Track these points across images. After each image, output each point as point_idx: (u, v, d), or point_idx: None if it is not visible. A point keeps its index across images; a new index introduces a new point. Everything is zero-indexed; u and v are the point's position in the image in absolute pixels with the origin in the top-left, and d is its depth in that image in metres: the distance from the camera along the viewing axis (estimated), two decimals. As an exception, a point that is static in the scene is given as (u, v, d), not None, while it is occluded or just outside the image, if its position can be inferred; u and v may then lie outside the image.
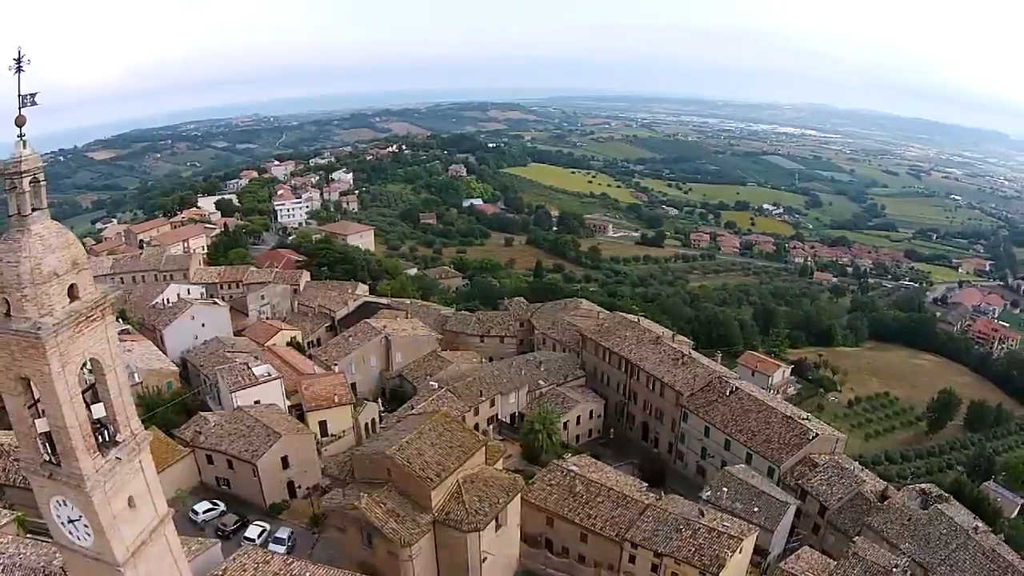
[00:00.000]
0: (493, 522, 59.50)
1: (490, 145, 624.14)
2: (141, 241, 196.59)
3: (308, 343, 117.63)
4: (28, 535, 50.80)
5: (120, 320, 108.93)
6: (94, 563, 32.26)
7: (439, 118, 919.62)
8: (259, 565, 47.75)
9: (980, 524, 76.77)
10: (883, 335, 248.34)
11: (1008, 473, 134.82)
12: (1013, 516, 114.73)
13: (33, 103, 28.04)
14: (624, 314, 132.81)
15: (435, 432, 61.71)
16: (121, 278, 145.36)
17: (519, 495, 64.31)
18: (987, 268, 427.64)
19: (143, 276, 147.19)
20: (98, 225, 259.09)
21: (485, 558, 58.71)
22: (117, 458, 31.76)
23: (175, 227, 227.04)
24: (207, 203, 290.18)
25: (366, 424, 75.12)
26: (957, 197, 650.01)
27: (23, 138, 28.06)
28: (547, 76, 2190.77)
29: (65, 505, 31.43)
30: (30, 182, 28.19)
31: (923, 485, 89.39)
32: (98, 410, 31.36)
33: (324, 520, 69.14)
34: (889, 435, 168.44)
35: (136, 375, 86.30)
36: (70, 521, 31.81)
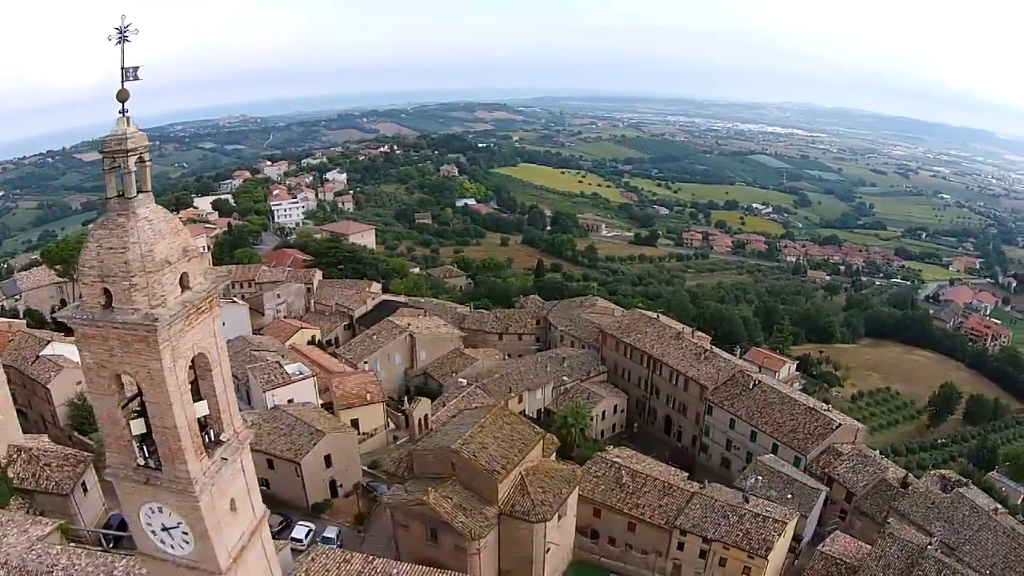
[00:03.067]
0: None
1: (480, 145, 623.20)
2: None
3: (326, 342, 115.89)
4: (71, 544, 48.66)
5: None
6: (189, 573, 30.20)
7: (426, 118, 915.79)
8: (340, 565, 46.40)
9: (999, 506, 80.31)
10: (878, 332, 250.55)
11: (1011, 463, 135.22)
12: (1018, 504, 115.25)
13: (136, 77, 25.96)
14: (643, 311, 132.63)
15: (496, 426, 61.87)
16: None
17: (578, 486, 64.93)
18: (977, 266, 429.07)
19: None
20: (91, 226, 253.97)
21: (548, 549, 59.27)
22: (223, 458, 29.75)
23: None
24: (203, 203, 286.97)
25: (419, 420, 73.63)
26: (945, 196, 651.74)
27: (126, 114, 25.88)
28: (532, 76, 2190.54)
29: (160, 512, 29.24)
30: (136, 161, 26.08)
31: (943, 471, 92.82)
32: (201, 408, 29.24)
33: (369, 518, 69.04)
34: (893, 428, 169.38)
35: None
36: (164, 529, 29.67)
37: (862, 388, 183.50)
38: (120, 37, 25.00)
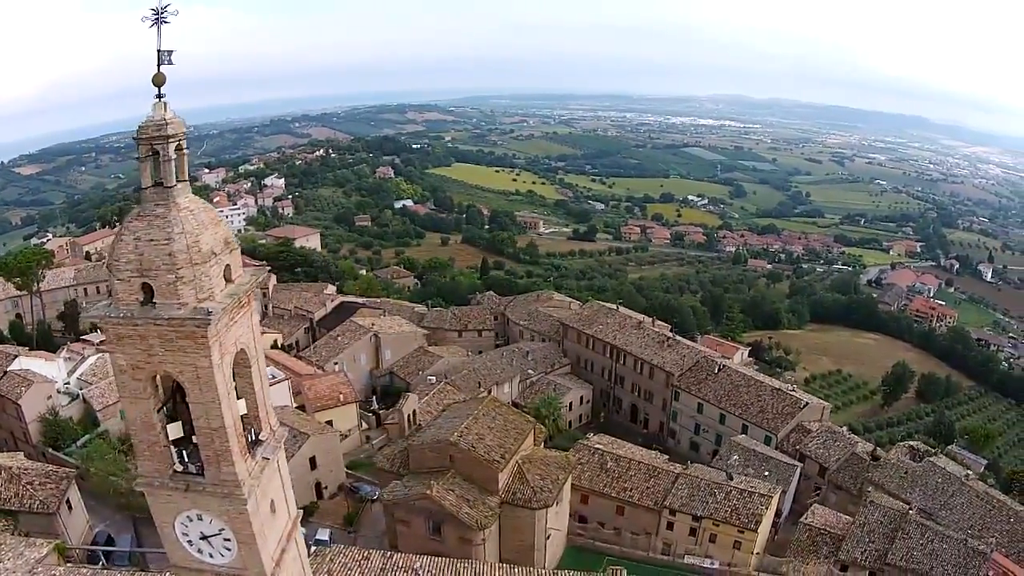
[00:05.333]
0: (553, 500, 60.56)
1: (414, 146, 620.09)
2: (87, 253, 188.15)
3: (288, 345, 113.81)
4: (68, 564, 46.71)
5: (98, 331, 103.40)
6: (229, 581, 28.90)
7: (358, 121, 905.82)
8: (360, 562, 46.20)
9: (970, 472, 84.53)
10: (824, 317, 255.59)
11: (969, 436, 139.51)
12: (982, 472, 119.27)
13: (170, 62, 24.64)
14: (602, 303, 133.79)
15: (489, 417, 62.36)
16: (85, 288, 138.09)
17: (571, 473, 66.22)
18: (918, 249, 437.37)
19: (107, 285, 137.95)
20: (34, 241, 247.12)
21: (549, 535, 60.05)
22: (264, 458, 28.56)
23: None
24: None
25: (408, 415, 72.94)
26: (882, 182, 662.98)
27: (163, 99, 24.60)
28: (462, 76, 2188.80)
29: (200, 520, 27.67)
30: (175, 148, 24.80)
31: (911, 443, 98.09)
32: (240, 407, 27.89)
33: (358, 518, 69.52)
34: (848, 409, 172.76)
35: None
36: (203, 538, 28.20)
37: (814, 371, 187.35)
38: (156, 19, 23.67)
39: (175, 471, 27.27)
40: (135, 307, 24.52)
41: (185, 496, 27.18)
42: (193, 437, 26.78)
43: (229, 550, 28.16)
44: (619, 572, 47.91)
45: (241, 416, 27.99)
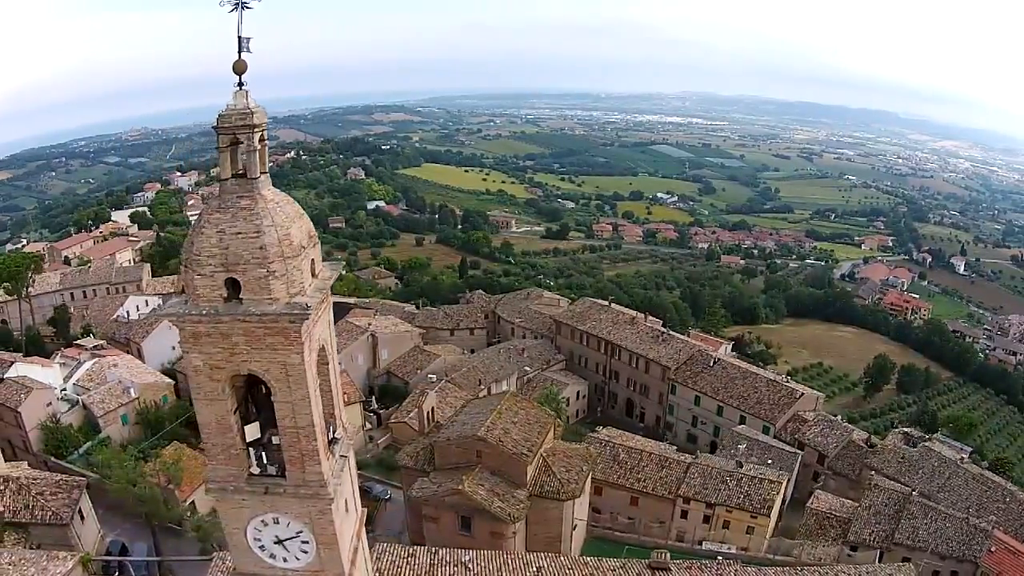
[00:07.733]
0: (577, 491, 61.52)
1: (384, 147, 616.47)
2: (66, 258, 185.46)
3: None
4: (92, 576, 45.48)
5: (91, 335, 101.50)
6: (306, 583, 28.00)
7: (325, 123, 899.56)
8: (407, 559, 45.95)
9: (964, 456, 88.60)
10: (800, 311, 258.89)
11: (952, 425, 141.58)
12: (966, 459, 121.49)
13: (248, 50, 23.75)
14: (593, 299, 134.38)
15: (511, 411, 62.84)
16: (71, 293, 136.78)
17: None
18: (890, 243, 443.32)
19: (94, 290, 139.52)
20: (9, 247, 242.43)
21: (575, 526, 60.96)
22: (342, 456, 27.88)
23: (97, 242, 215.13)
24: (121, 217, 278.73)
25: (427, 413, 72.30)
26: (851, 177, 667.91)
27: (244, 87, 23.73)
28: (428, 76, 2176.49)
29: (276, 523, 26.69)
30: (259, 139, 23.96)
31: (905, 429, 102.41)
32: (318, 404, 27.23)
33: (374, 518, 68.63)
34: (831, 401, 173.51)
35: (132, 390, 79.95)
36: (277, 542, 27.21)
37: (795, 365, 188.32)
38: (238, 3, 22.84)
39: (251, 474, 26.45)
40: (219, 304, 23.48)
41: (263, 500, 26.29)
42: (273, 438, 26.00)
43: (306, 552, 27.31)
44: (663, 555, 47.95)
45: (320, 414, 27.31)
